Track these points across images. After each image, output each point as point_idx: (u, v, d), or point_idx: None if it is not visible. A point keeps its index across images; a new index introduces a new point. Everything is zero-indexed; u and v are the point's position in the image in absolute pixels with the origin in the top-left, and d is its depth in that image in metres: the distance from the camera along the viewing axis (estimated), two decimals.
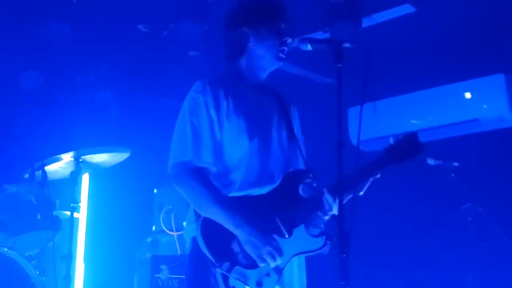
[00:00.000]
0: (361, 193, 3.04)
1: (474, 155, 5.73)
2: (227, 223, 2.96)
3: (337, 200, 2.87)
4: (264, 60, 3.21)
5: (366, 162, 3.01)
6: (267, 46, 3.18)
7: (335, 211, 2.93)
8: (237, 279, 2.89)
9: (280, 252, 2.94)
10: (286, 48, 3.16)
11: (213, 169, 3.09)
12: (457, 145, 6.03)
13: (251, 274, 2.94)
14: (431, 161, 5.27)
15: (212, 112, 3.09)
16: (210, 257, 2.93)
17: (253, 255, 2.94)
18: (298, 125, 3.39)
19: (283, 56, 3.18)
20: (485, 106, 6.05)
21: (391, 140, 3.05)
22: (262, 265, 2.94)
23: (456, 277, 5.53)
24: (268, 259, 2.93)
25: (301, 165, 3.25)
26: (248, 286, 2.90)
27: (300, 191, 3.08)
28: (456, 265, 5.51)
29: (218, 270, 2.90)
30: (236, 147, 3.09)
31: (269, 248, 2.92)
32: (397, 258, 6.35)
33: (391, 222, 6.28)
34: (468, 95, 6.11)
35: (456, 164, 5.24)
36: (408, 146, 3.02)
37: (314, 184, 3.15)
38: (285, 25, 3.20)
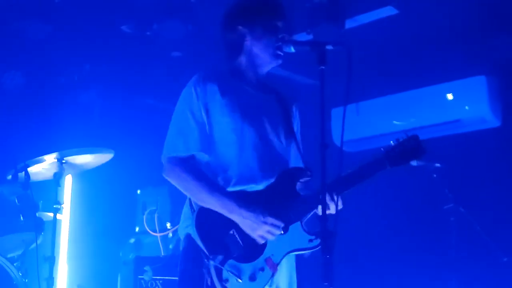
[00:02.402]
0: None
1: (456, 156, 5.77)
2: (221, 209, 2.98)
3: (335, 198, 2.90)
4: (261, 58, 3.22)
5: (364, 162, 3.04)
6: (264, 44, 3.19)
7: (332, 209, 2.93)
8: (230, 271, 2.90)
9: (278, 227, 2.97)
10: (282, 45, 3.14)
11: (205, 157, 3.11)
12: (439, 146, 6.06)
13: (245, 267, 2.95)
14: (413, 162, 5.30)
15: (202, 103, 3.11)
16: (204, 249, 2.94)
17: (253, 236, 2.97)
18: (298, 125, 3.40)
19: (281, 54, 3.18)
20: (466, 107, 6.09)
21: (392, 143, 3.06)
22: (262, 242, 2.97)
23: (438, 277, 5.57)
24: (269, 236, 2.97)
25: (299, 164, 3.25)
26: (241, 279, 2.91)
27: (297, 189, 3.09)
28: (438, 264, 5.55)
29: (211, 263, 2.91)
30: (230, 142, 3.10)
31: (266, 227, 2.95)
32: (380, 258, 6.37)
33: (373, 222, 6.31)
34: (450, 96, 6.15)
35: (438, 164, 5.28)
36: (410, 148, 3.09)
37: (311, 182, 3.17)
38: (281, 23, 3.21)
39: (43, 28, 5.65)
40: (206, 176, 3.07)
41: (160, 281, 5.48)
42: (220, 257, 2.92)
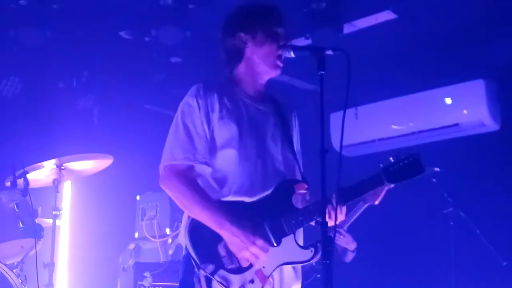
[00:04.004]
0: (377, 202, 3.08)
1: (455, 160, 5.77)
2: (211, 223, 2.96)
3: (334, 211, 2.87)
4: (261, 67, 3.20)
5: (362, 178, 3.03)
6: (265, 51, 3.17)
7: (331, 222, 2.88)
8: (219, 282, 2.89)
9: (265, 251, 2.94)
10: (283, 54, 3.13)
11: (203, 169, 3.09)
12: (438, 150, 6.09)
13: (235, 279, 2.93)
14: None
15: (203, 114, 3.09)
16: (195, 258, 2.93)
17: (238, 256, 2.94)
18: (298, 133, 3.38)
19: (280, 64, 3.17)
20: (465, 111, 6.10)
21: (391, 159, 3.05)
22: (246, 264, 2.94)
23: (438, 281, 5.56)
24: (251, 260, 2.94)
25: (297, 175, 3.22)
26: None
27: (293, 201, 3.06)
28: (437, 268, 5.55)
29: (201, 272, 2.90)
30: (227, 154, 3.08)
31: (253, 249, 2.92)
32: (380, 262, 6.38)
33: (373, 226, 6.30)
34: (448, 100, 6.16)
35: (437, 169, 5.28)
36: (409, 166, 3.04)
37: (307, 196, 3.14)
38: (282, 29, 3.20)
39: (42, 34, 5.64)
40: (201, 189, 3.05)
41: (160, 287, 5.48)
42: (210, 267, 2.91)
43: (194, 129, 3.09)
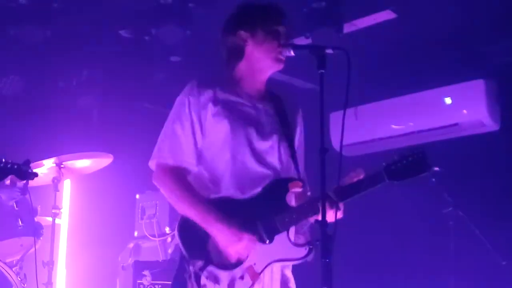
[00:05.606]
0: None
1: (454, 160, 5.77)
2: (198, 221, 2.95)
3: (333, 208, 2.87)
4: (263, 62, 3.19)
5: (364, 176, 2.99)
6: (265, 48, 3.16)
7: (331, 218, 2.85)
8: (207, 278, 2.89)
9: (252, 246, 2.93)
10: (284, 50, 3.12)
11: (194, 169, 3.10)
12: (438, 150, 6.08)
13: (224, 275, 2.92)
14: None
15: (194, 113, 3.09)
16: (186, 254, 2.94)
17: (225, 252, 2.93)
18: (301, 131, 3.35)
19: (283, 58, 3.16)
20: (465, 111, 6.10)
21: (395, 157, 2.99)
22: (234, 260, 2.93)
23: (437, 281, 5.57)
24: (240, 256, 2.93)
25: (293, 174, 3.20)
26: (219, 286, 2.90)
27: (287, 199, 3.05)
28: (437, 268, 5.55)
29: (191, 268, 2.90)
30: (219, 151, 3.07)
31: (240, 244, 2.91)
32: (379, 262, 6.37)
33: (372, 226, 6.31)
34: (448, 100, 6.16)
35: (436, 168, 5.27)
36: (412, 163, 2.98)
37: (306, 194, 3.13)
38: (282, 28, 3.19)
39: (42, 33, 5.65)
40: (191, 187, 3.06)
41: (159, 286, 5.48)
42: (199, 263, 2.90)
43: (182, 129, 3.09)
